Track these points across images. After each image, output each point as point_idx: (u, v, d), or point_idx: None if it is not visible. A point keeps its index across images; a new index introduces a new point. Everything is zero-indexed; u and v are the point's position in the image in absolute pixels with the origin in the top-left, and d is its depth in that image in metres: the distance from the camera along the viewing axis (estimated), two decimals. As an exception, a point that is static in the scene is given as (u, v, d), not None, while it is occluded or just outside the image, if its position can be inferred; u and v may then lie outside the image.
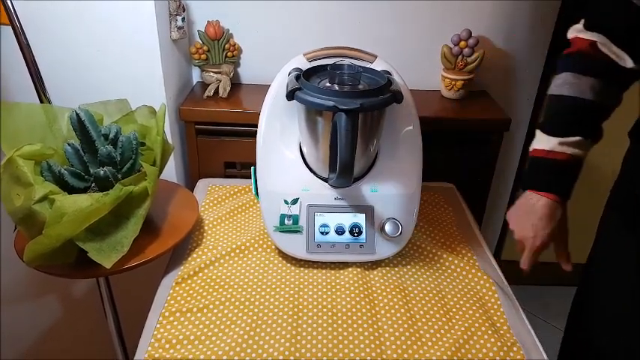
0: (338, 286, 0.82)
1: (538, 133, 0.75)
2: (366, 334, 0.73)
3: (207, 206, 1.02)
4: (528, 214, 0.73)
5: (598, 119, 0.73)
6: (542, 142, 0.73)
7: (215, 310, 0.76)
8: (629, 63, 0.68)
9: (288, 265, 0.86)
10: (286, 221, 0.84)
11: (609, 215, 0.79)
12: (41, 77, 0.87)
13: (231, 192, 1.07)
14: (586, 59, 0.71)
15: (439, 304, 0.79)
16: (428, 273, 0.86)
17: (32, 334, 1.30)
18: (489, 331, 0.74)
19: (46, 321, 1.30)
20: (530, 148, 0.76)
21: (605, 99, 0.71)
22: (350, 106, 0.70)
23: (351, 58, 0.86)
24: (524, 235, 0.74)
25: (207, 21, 1.18)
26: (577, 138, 0.71)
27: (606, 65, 0.70)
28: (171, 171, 1.16)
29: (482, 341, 0.72)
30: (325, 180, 0.85)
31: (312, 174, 0.86)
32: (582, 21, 0.72)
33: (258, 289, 0.81)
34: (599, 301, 0.79)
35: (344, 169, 0.74)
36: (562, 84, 0.72)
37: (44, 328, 1.30)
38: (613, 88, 0.71)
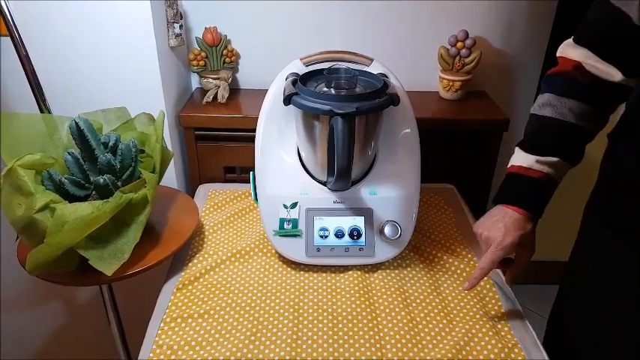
0: (338, 290, 0.82)
1: (516, 150, 0.75)
2: (366, 337, 0.73)
3: (207, 211, 1.03)
4: (499, 221, 0.73)
5: (578, 142, 0.73)
6: (520, 159, 0.74)
7: (216, 316, 0.77)
8: (617, 76, 0.66)
9: (288, 269, 0.87)
10: (285, 225, 0.84)
11: (589, 216, 0.78)
12: (41, 87, 0.88)
13: (231, 197, 1.07)
14: (569, 82, 0.70)
15: (440, 306, 0.79)
16: (428, 275, 0.86)
17: (36, 341, 1.31)
18: (490, 333, 0.74)
19: (49, 327, 1.31)
20: (508, 165, 0.76)
21: (587, 122, 0.71)
22: (346, 110, 0.70)
23: (348, 61, 0.86)
24: (492, 234, 0.73)
25: (205, 27, 1.18)
26: (554, 158, 0.71)
27: (590, 88, 0.69)
28: (172, 177, 1.17)
29: (483, 343, 0.72)
30: (324, 183, 0.86)
31: (310, 178, 0.86)
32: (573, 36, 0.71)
33: (259, 294, 0.81)
34: (577, 302, 0.78)
35: (341, 172, 0.74)
36: (544, 105, 0.73)
37: (48, 334, 1.31)
38: (596, 111, 0.71)
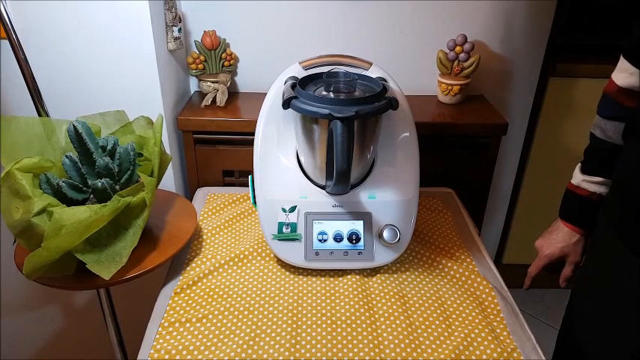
0: (337, 294, 0.82)
1: (576, 167, 0.81)
2: (365, 341, 0.73)
3: (205, 215, 1.03)
4: (550, 233, 0.84)
5: None
6: (575, 176, 0.80)
7: (214, 320, 0.76)
8: None
9: (287, 273, 0.86)
10: (284, 229, 0.84)
11: (600, 220, 0.79)
12: (39, 90, 0.88)
13: (230, 200, 1.07)
14: (613, 105, 0.73)
15: (439, 311, 0.79)
16: (427, 279, 0.86)
17: (34, 344, 1.30)
18: (489, 337, 0.74)
19: (47, 331, 1.30)
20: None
21: None
22: (345, 114, 0.70)
23: (347, 65, 0.86)
24: (539, 244, 0.85)
25: (204, 31, 1.18)
26: (600, 178, 0.76)
27: (632, 109, 0.70)
28: (171, 180, 1.17)
29: (482, 347, 0.72)
30: (323, 187, 0.86)
31: (309, 181, 0.86)
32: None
33: (257, 298, 0.81)
34: (584, 303, 0.79)
35: (340, 176, 0.74)
36: (595, 125, 0.77)
37: (46, 338, 1.31)
38: None
